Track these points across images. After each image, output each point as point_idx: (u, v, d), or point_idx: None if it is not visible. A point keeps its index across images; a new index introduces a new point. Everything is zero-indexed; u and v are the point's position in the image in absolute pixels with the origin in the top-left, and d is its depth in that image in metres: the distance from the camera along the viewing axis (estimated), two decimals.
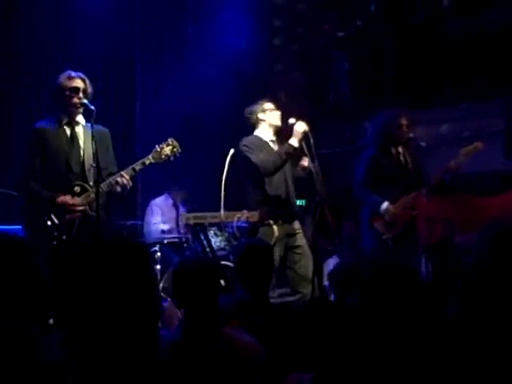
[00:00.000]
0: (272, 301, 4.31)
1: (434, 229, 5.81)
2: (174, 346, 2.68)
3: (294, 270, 5.05)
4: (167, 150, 4.60)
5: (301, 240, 5.13)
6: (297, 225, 5.17)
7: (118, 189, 4.45)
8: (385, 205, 5.33)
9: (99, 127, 4.58)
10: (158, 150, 4.59)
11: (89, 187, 4.45)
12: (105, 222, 4.42)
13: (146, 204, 7.32)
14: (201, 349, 2.69)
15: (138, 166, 4.51)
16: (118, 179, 4.42)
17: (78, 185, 4.47)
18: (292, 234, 5.10)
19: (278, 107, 5.28)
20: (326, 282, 6.19)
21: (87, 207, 4.41)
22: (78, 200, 4.43)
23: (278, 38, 8.10)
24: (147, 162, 4.54)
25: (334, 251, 6.68)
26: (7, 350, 1.32)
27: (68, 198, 4.42)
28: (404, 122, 5.39)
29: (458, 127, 7.27)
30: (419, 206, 5.40)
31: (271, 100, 5.36)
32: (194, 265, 2.96)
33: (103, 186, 4.37)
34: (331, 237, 5.76)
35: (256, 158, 5.02)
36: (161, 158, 4.59)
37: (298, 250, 5.09)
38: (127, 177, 4.44)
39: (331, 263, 6.50)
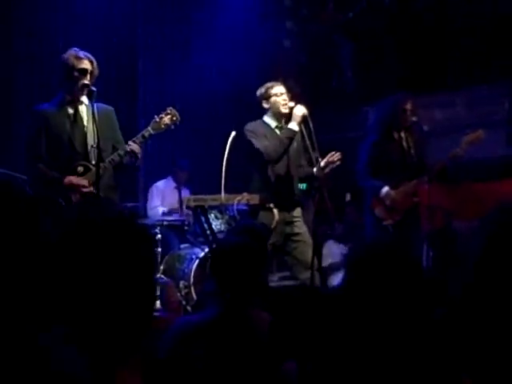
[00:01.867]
0: (272, 284, 4.31)
1: (435, 215, 5.79)
2: (209, 325, 2.77)
3: (292, 257, 4.97)
4: (166, 119, 4.53)
5: (300, 227, 5.03)
6: (296, 212, 5.06)
7: (128, 158, 4.41)
8: (385, 189, 5.32)
9: (103, 106, 4.53)
10: (157, 120, 4.52)
11: (92, 166, 4.39)
12: (111, 201, 4.40)
13: (147, 187, 7.32)
14: (236, 328, 2.77)
15: (138, 139, 4.45)
16: (129, 148, 4.38)
17: (81, 164, 4.43)
18: (290, 222, 5.00)
19: (287, 89, 5.03)
20: (325, 264, 6.20)
21: (93, 187, 4.35)
22: (84, 180, 4.39)
23: (285, 20, 8.06)
24: (147, 134, 4.49)
25: (333, 235, 6.67)
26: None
27: (74, 179, 4.38)
28: (408, 106, 5.37)
29: (460, 112, 7.24)
30: (420, 193, 5.38)
31: (278, 82, 5.12)
32: (233, 246, 3.00)
33: (106, 165, 4.34)
34: (330, 221, 5.73)
35: (259, 143, 4.93)
36: (161, 128, 4.53)
37: (296, 238, 4.99)
38: (135, 145, 4.41)
39: (329, 246, 6.50)
